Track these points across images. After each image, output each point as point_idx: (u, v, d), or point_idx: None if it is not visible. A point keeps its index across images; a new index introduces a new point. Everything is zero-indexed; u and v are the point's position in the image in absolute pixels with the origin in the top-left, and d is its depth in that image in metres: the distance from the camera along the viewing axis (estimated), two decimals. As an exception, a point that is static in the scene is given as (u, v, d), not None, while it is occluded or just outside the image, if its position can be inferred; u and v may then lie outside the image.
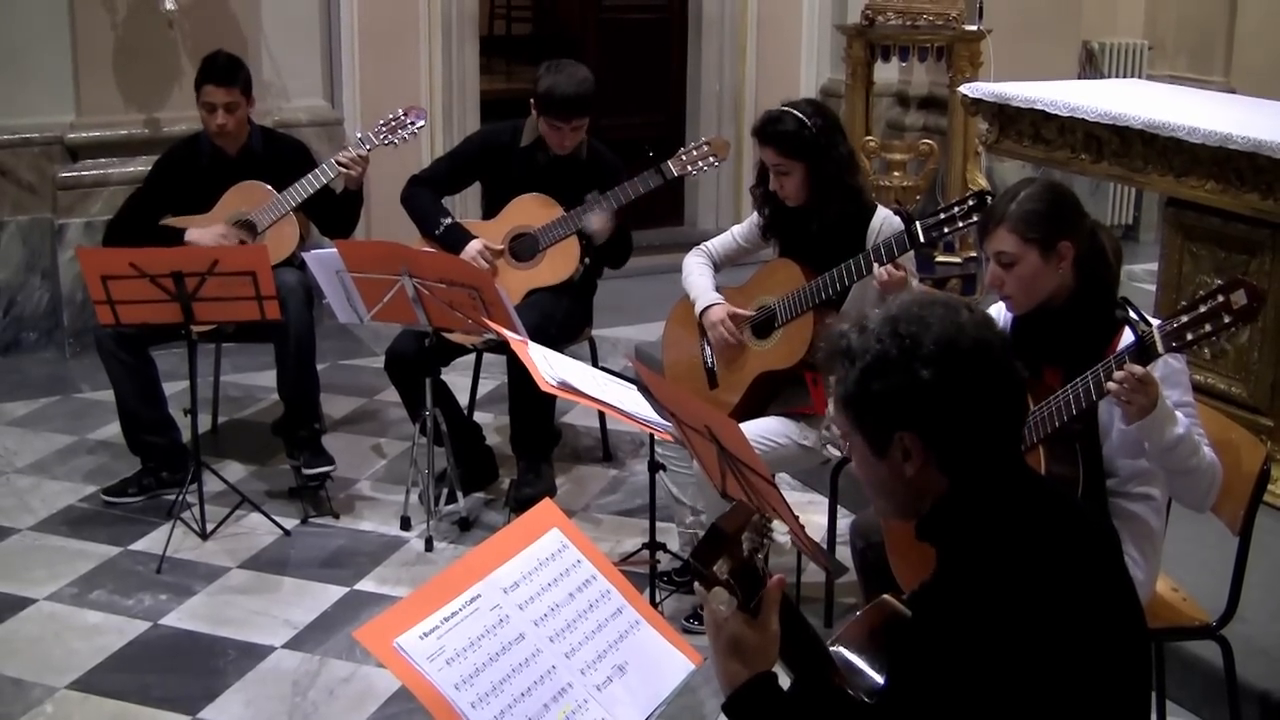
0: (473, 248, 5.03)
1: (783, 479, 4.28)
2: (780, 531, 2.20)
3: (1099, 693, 2.03)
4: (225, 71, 5.19)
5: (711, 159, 5.05)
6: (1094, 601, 2.06)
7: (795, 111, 4.19)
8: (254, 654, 4.12)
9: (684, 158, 5.05)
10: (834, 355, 2.17)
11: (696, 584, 2.14)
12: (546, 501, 2.62)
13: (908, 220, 4.02)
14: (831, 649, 2.28)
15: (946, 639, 2.00)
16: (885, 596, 2.40)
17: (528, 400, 4.86)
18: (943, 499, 2.14)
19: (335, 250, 4.68)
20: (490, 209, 5.26)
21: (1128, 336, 3.07)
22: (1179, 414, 3.05)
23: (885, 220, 4.19)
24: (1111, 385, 2.99)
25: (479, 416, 5.59)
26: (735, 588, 2.09)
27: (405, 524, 4.90)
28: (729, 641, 2.11)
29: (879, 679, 2.22)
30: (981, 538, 2.08)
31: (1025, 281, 3.25)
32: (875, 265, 3.95)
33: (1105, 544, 2.19)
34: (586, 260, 5.10)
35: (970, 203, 3.90)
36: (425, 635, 2.26)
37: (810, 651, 2.22)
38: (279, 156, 5.32)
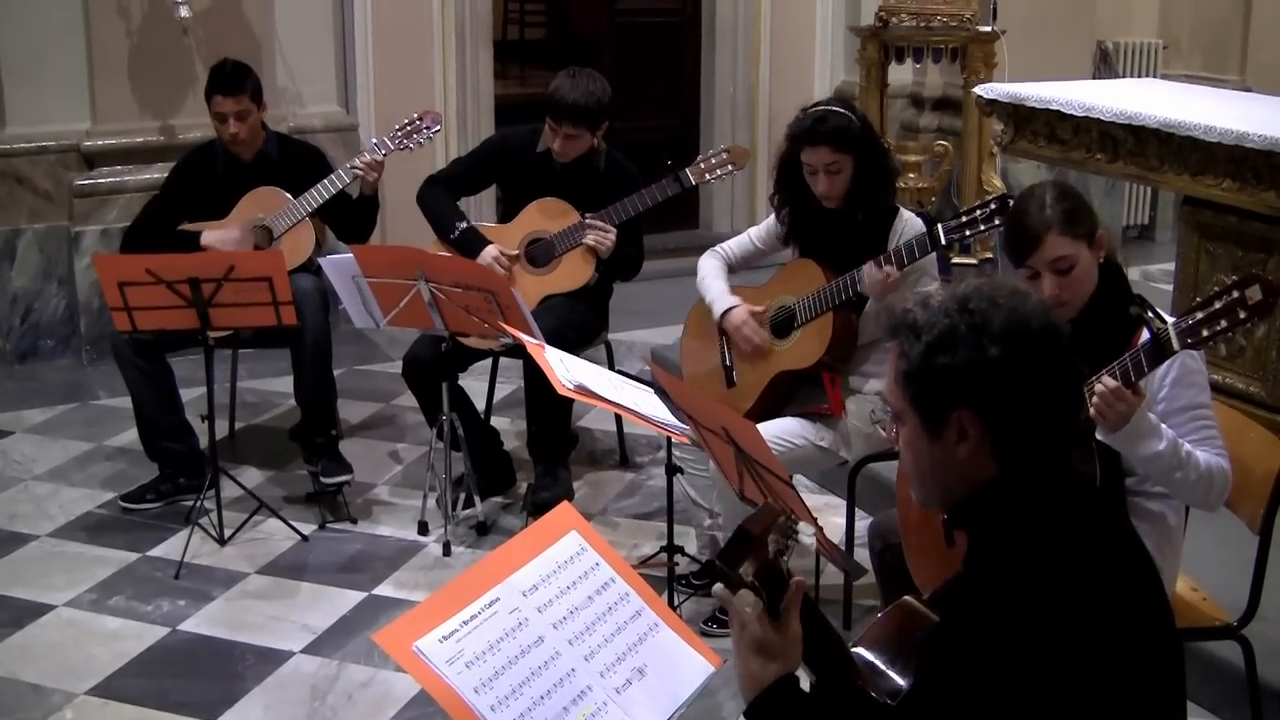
0: (488, 254, 5.02)
1: (800, 480, 4.27)
2: (805, 533, 2.18)
3: (1133, 696, 2.01)
4: (233, 80, 5.20)
5: (730, 167, 5.04)
6: (1128, 602, 2.04)
7: (836, 108, 4.18)
8: (272, 659, 4.12)
9: (702, 165, 5.04)
10: (898, 328, 2.12)
11: (719, 586, 2.12)
12: (564, 504, 2.60)
13: (929, 222, 4.02)
14: (853, 650, 2.27)
15: (976, 638, 1.98)
16: (906, 598, 2.39)
17: (544, 404, 4.85)
18: (988, 484, 2.09)
19: (351, 255, 4.69)
20: (507, 213, 5.26)
21: (1145, 335, 3.06)
22: (1164, 428, 3.02)
23: (908, 222, 4.18)
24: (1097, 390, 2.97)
25: (496, 421, 5.59)
26: (761, 590, 2.07)
27: (423, 529, 4.90)
28: (752, 644, 2.08)
29: (900, 681, 2.21)
30: (1018, 530, 2.05)
31: (1080, 281, 3.20)
32: (874, 268, 3.96)
33: (1135, 543, 2.17)
34: (602, 266, 5.10)
35: (992, 206, 3.90)
36: (444, 638, 2.25)
37: (831, 652, 2.21)
38: (295, 162, 5.33)
